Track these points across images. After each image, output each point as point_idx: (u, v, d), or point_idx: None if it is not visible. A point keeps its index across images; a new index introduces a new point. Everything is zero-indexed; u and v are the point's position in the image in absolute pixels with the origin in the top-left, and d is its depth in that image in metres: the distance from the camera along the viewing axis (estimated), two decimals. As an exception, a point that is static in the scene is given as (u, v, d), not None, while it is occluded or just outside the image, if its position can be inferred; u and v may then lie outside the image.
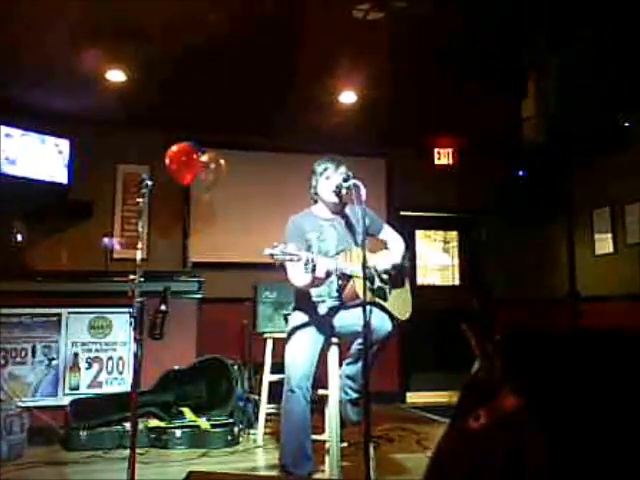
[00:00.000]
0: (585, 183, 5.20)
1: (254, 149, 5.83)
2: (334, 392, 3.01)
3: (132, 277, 2.63)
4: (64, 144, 5.09)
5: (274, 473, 3.18)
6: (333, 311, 2.96)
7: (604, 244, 5.29)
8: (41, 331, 4.19)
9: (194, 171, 4.47)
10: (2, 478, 3.18)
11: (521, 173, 5.74)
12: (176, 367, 4.21)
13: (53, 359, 4.19)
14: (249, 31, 3.87)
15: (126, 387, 4.11)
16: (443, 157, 5.92)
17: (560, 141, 3.45)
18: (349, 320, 2.85)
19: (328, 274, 2.70)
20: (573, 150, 3.71)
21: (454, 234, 6.68)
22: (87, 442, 3.76)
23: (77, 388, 4.20)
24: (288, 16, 3.68)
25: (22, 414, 3.67)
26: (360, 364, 2.83)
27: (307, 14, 3.66)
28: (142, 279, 2.62)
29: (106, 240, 5.31)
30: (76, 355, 4.24)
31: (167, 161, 4.39)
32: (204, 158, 4.49)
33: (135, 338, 2.57)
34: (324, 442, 3.02)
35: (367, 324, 2.46)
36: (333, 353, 3.02)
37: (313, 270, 2.62)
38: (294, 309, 3.07)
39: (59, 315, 4.24)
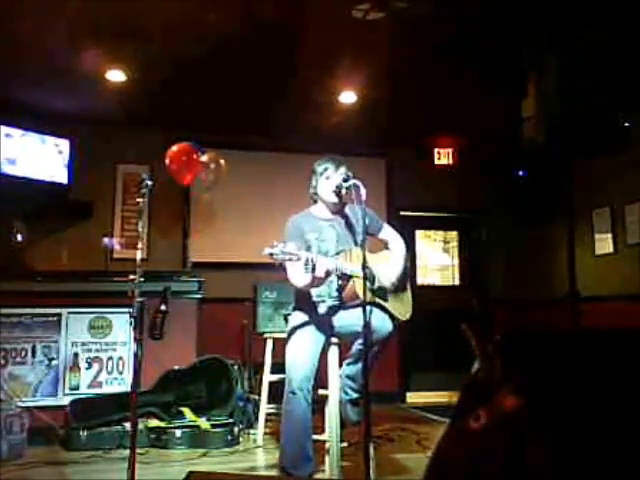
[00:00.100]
0: (585, 183, 5.19)
1: (254, 149, 5.83)
2: (334, 392, 3.01)
3: (132, 277, 2.63)
4: (64, 144, 5.09)
5: (274, 473, 3.18)
6: (333, 311, 2.96)
7: (604, 244, 5.29)
8: (41, 331, 4.19)
9: (194, 171, 4.47)
10: (2, 478, 3.18)
11: (521, 173, 5.73)
12: (176, 367, 4.21)
13: (53, 359, 4.19)
14: (249, 31, 3.87)
15: (126, 387, 4.11)
16: (443, 157, 5.92)
17: (560, 141, 3.45)
18: (349, 320, 2.85)
19: (328, 274, 2.70)
20: (573, 150, 3.71)
21: (454, 234, 6.68)
22: (87, 442, 3.76)
23: (77, 388, 4.20)
24: (288, 16, 3.69)
25: (22, 414, 3.67)
26: (360, 364, 2.83)
27: (307, 14, 3.66)
28: (142, 279, 2.62)
29: (106, 240, 5.31)
30: (76, 355, 4.24)
31: (167, 161, 4.39)
32: (204, 158, 4.49)
33: (135, 338, 2.57)
34: (324, 442, 3.02)
35: (367, 324, 2.46)
36: (333, 353, 3.02)
37: (313, 270, 2.61)
38: (294, 309, 3.07)
39: (59, 315, 4.24)
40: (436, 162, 5.91)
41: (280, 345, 3.19)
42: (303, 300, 2.99)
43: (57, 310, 4.24)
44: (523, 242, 6.08)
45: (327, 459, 2.99)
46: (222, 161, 4.59)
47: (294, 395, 2.77)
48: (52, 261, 4.97)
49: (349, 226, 3.05)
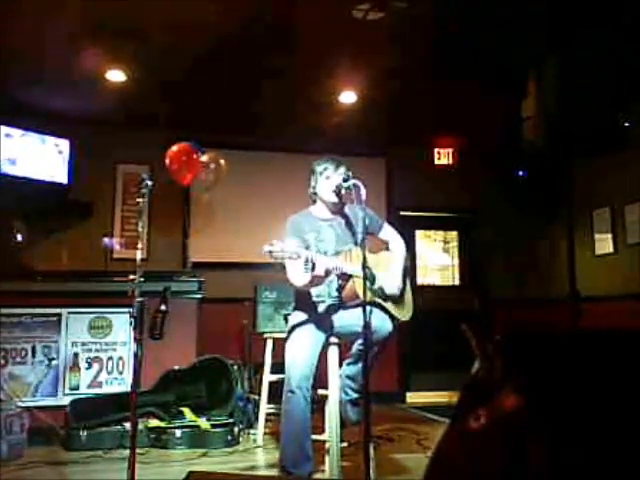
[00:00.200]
0: (585, 183, 5.19)
1: (254, 149, 5.83)
2: (334, 392, 3.00)
3: (132, 277, 2.63)
4: (64, 144, 5.09)
5: (274, 473, 3.18)
6: (333, 311, 2.96)
7: (604, 244, 5.30)
8: (41, 331, 4.19)
9: (194, 171, 4.47)
10: (2, 478, 3.18)
11: (521, 173, 5.73)
12: (176, 367, 4.20)
13: (53, 359, 4.19)
14: (249, 31, 3.87)
15: (126, 387, 4.11)
16: (443, 157, 5.92)
17: (560, 141, 3.45)
18: (349, 320, 2.85)
19: (327, 273, 2.69)
20: (573, 150, 3.71)
21: (454, 234, 6.68)
22: (87, 442, 3.76)
23: (77, 388, 4.20)
24: (288, 16, 3.69)
25: (22, 414, 3.67)
26: (360, 364, 2.83)
27: (307, 14, 3.66)
28: (142, 279, 2.62)
29: (106, 240, 5.31)
30: (76, 355, 4.24)
31: (167, 161, 4.39)
32: (204, 158, 4.49)
33: (135, 338, 2.57)
34: (324, 442, 3.02)
35: (367, 324, 2.46)
36: (333, 353, 3.02)
37: (312, 268, 2.61)
38: (294, 309, 3.07)
39: (59, 315, 4.24)
40: (436, 162, 5.91)
41: (280, 345, 3.19)
42: (303, 300, 2.99)
43: (57, 310, 4.24)
44: (523, 242, 6.08)
45: (327, 459, 2.99)
46: (222, 161, 4.59)
47: (293, 394, 2.77)
48: (52, 261, 4.97)
49: (349, 226, 3.04)
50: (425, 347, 6.02)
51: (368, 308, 2.46)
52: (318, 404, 3.13)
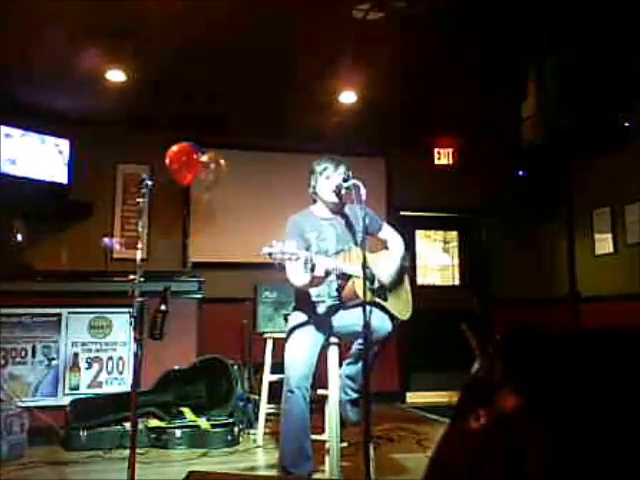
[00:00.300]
0: (585, 183, 5.20)
1: (254, 149, 5.83)
2: (334, 392, 3.01)
3: (132, 277, 2.63)
4: (64, 144, 5.09)
5: (274, 473, 3.18)
6: (333, 311, 2.96)
7: (604, 244, 5.29)
8: (41, 331, 4.19)
9: (194, 171, 4.47)
10: (2, 478, 3.18)
11: (521, 173, 5.74)
12: (176, 367, 4.21)
13: (53, 359, 4.19)
14: (249, 31, 3.87)
15: (126, 387, 4.11)
16: (443, 157, 5.92)
17: (560, 141, 3.45)
18: (349, 320, 2.85)
19: (327, 273, 2.70)
20: (573, 150, 3.71)
21: (454, 234, 6.68)
22: (87, 442, 3.76)
23: (77, 388, 4.20)
24: (288, 16, 3.68)
25: (22, 414, 3.67)
26: (360, 364, 2.83)
27: (307, 14, 3.66)
28: (142, 279, 2.62)
29: (106, 240, 5.31)
30: (76, 355, 4.24)
31: (167, 161, 4.39)
32: (204, 158, 4.49)
33: (135, 338, 2.57)
34: (324, 442, 3.02)
35: (367, 324, 2.46)
36: (333, 353, 3.02)
37: (312, 269, 2.61)
38: (294, 309, 3.07)
39: (59, 315, 4.24)
40: (436, 162, 5.91)
41: (280, 345, 3.19)
42: (303, 300, 2.99)
43: (57, 310, 4.24)
44: (523, 242, 6.08)
45: (327, 459, 2.99)
46: (222, 161, 4.59)
47: (292, 394, 2.77)
48: (52, 261, 4.97)
49: (349, 226, 3.04)
50: (425, 347, 6.02)
51: (368, 308, 2.47)
52: (318, 404, 3.14)
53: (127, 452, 2.52)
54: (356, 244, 2.96)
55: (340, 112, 5.21)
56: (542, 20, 3.53)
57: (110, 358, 4.28)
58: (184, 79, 4.60)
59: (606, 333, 0.74)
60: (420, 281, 6.34)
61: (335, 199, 2.99)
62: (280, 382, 3.05)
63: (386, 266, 3.03)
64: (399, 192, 6.22)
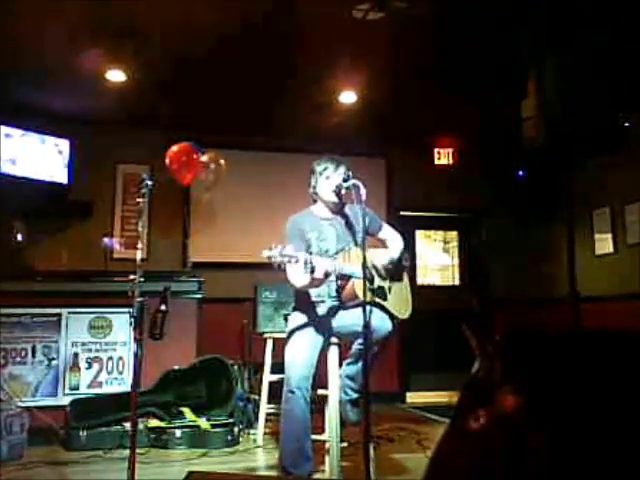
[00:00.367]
0: (585, 183, 5.19)
1: (254, 149, 5.83)
2: (334, 392, 3.01)
3: (132, 277, 2.63)
4: (64, 144, 5.09)
5: (274, 473, 3.18)
6: (333, 311, 2.96)
7: (604, 244, 5.29)
8: (41, 331, 4.19)
9: (194, 171, 4.46)
10: (2, 478, 3.18)
11: (521, 173, 5.73)
12: (176, 367, 4.20)
13: (53, 359, 4.19)
14: (249, 31, 3.87)
15: (126, 387, 4.11)
16: (443, 157, 5.92)
17: (560, 141, 3.45)
18: (349, 320, 2.85)
19: (327, 275, 2.70)
20: (573, 150, 3.71)
21: (454, 234, 6.68)
22: (87, 442, 3.76)
23: (77, 388, 4.20)
24: (288, 16, 3.68)
25: (22, 414, 3.67)
26: (360, 364, 2.83)
27: (307, 14, 3.66)
28: (142, 279, 2.62)
29: (106, 240, 5.31)
30: (76, 355, 4.24)
31: (167, 161, 4.39)
32: (204, 158, 4.48)
33: (135, 338, 2.57)
34: (324, 442, 3.02)
35: (367, 324, 2.46)
36: (333, 353, 3.02)
37: (312, 271, 2.62)
38: (294, 309, 3.07)
39: (59, 315, 4.24)
40: (436, 162, 5.91)
41: (280, 345, 3.19)
42: (303, 300, 2.99)
43: (57, 310, 4.24)
44: (523, 242, 6.08)
45: (327, 459, 2.99)
46: (222, 161, 4.59)
47: (292, 394, 2.77)
48: (52, 261, 4.97)
49: (349, 226, 3.05)
50: (425, 347, 6.02)
51: (368, 308, 2.47)
52: (318, 404, 3.13)
53: (127, 452, 2.52)
54: (356, 244, 2.96)
55: (340, 112, 5.21)
56: (542, 20, 3.53)
57: (110, 358, 4.28)
58: (184, 79, 4.60)
59: (606, 333, 0.74)
60: (420, 281, 6.34)
61: (335, 199, 2.99)
62: (280, 382, 3.05)
63: (384, 256, 3.05)
64: (399, 192, 6.22)
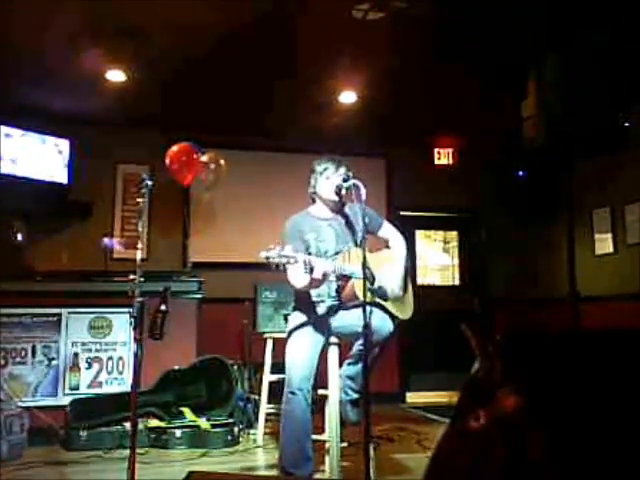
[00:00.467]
0: (585, 183, 5.19)
1: (254, 149, 5.83)
2: (334, 392, 3.00)
3: (132, 277, 2.63)
4: (64, 144, 5.09)
5: (274, 473, 3.18)
6: (333, 311, 2.96)
7: (604, 244, 5.29)
8: (41, 331, 4.19)
9: (194, 171, 4.47)
10: (2, 478, 3.18)
11: (521, 173, 5.73)
12: (176, 367, 4.21)
13: (53, 359, 4.19)
14: (249, 31, 3.87)
15: (126, 387, 4.11)
16: (443, 157, 5.92)
17: (560, 141, 3.45)
18: (349, 320, 2.84)
19: (326, 275, 2.69)
20: (573, 150, 3.71)
21: (454, 234, 6.68)
22: (87, 442, 3.76)
23: (77, 388, 4.20)
24: (288, 16, 3.68)
25: (22, 414, 3.67)
26: (361, 364, 2.83)
27: (307, 14, 3.66)
28: (142, 279, 2.62)
29: (106, 240, 5.31)
30: (76, 355, 4.24)
31: (167, 161, 4.39)
32: (204, 158, 4.49)
33: (135, 338, 2.57)
34: (324, 442, 3.02)
35: (367, 324, 2.45)
36: (333, 353, 3.02)
37: (311, 271, 2.61)
38: (294, 309, 3.07)
39: (59, 315, 4.24)
40: (436, 162, 5.91)
41: (280, 345, 3.19)
42: (303, 300, 2.99)
43: (57, 310, 4.24)
44: (523, 242, 6.08)
45: (327, 459, 2.99)
46: (222, 161, 4.59)
47: (293, 395, 2.77)
48: (52, 261, 4.97)
49: (349, 225, 3.04)
50: (425, 347, 6.02)
51: (368, 308, 2.46)
52: (318, 404, 3.13)
53: (127, 452, 2.52)
54: (356, 244, 2.95)
55: (340, 112, 5.21)
56: (542, 19, 3.53)
57: (110, 358, 4.28)
58: (184, 79, 4.60)
59: (606, 333, 0.74)
60: (420, 281, 6.34)
61: (335, 199, 2.99)
62: (280, 382, 3.05)
63: (392, 277, 3.00)
64: (399, 192, 6.22)
